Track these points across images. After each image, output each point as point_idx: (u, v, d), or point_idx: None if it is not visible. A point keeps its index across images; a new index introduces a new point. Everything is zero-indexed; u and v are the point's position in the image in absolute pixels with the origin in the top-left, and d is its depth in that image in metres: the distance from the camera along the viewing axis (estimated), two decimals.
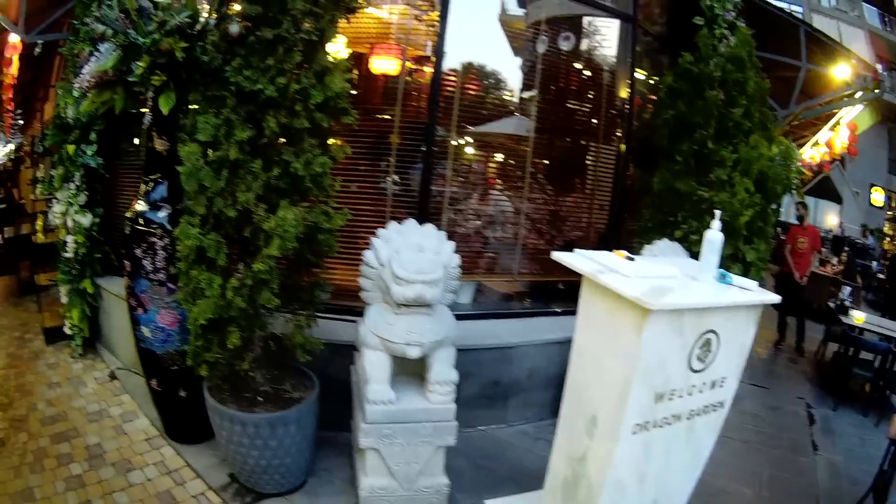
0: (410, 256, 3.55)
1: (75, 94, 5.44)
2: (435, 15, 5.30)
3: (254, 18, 3.53)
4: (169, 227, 4.02)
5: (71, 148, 5.55)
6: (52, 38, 11.20)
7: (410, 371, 3.96)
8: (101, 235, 5.82)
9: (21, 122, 23.96)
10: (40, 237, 6.85)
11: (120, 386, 5.40)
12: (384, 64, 5.55)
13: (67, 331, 5.96)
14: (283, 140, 3.63)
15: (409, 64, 5.50)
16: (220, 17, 3.78)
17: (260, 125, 3.55)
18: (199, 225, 3.60)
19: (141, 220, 4.07)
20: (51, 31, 8.06)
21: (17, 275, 8.60)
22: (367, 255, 3.81)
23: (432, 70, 5.29)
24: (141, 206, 4.11)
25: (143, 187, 4.17)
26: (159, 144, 4.06)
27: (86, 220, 5.60)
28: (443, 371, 3.77)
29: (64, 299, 5.90)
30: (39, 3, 7.94)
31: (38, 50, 10.40)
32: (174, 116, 3.87)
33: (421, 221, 3.92)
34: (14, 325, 7.24)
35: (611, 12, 6.56)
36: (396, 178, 5.34)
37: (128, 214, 4.19)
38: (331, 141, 3.83)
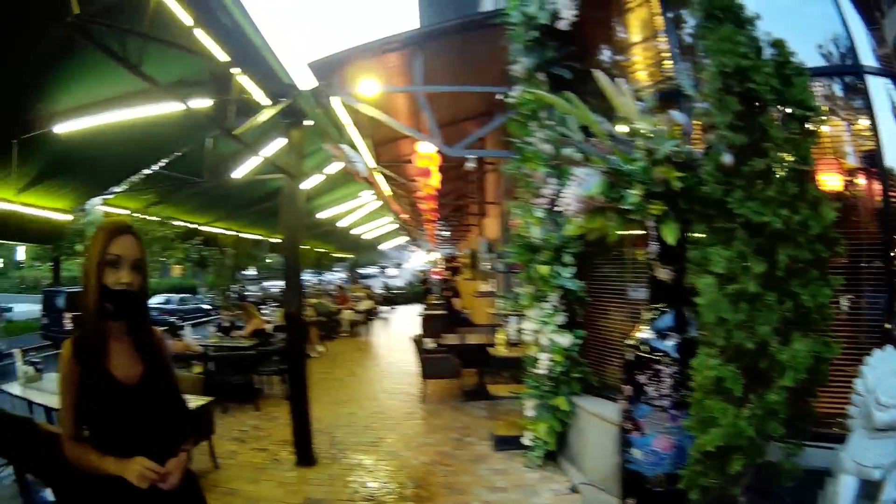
0: (892, 383, 3.57)
1: (538, 214, 5.85)
2: (865, 124, 4.85)
3: (739, 148, 3.55)
4: (676, 355, 4.06)
5: (543, 269, 5.83)
6: (483, 154, 12.20)
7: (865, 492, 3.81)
8: (580, 356, 5.92)
9: (447, 233, 26.82)
10: (501, 350, 7.27)
11: (580, 500, 5.32)
12: (831, 181, 5.14)
13: (526, 441, 6.13)
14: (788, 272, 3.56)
15: (848, 178, 5.04)
16: (709, 146, 3.83)
17: (768, 256, 3.51)
18: (717, 356, 3.62)
19: (646, 348, 4.15)
20: (471, 147, 8.65)
21: (461, 380, 9.36)
22: (858, 382, 3.75)
23: (874, 181, 4.78)
24: (646, 333, 4.20)
25: (647, 315, 4.27)
26: (663, 274, 4.14)
27: (565, 340, 5.76)
28: (892, 491, 3.64)
29: (530, 412, 6.08)
30: (446, 116, 8.61)
31: (471, 165, 11.38)
32: (677, 246, 3.94)
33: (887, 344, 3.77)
34: (453, 426, 7.84)
35: None
36: (847, 301, 4.85)
37: (630, 341, 4.28)
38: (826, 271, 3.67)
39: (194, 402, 5.95)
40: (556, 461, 6.14)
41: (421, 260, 45.92)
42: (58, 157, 7.09)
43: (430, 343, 10.54)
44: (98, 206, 11.14)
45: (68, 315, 17.68)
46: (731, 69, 3.54)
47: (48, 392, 6.38)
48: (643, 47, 5.89)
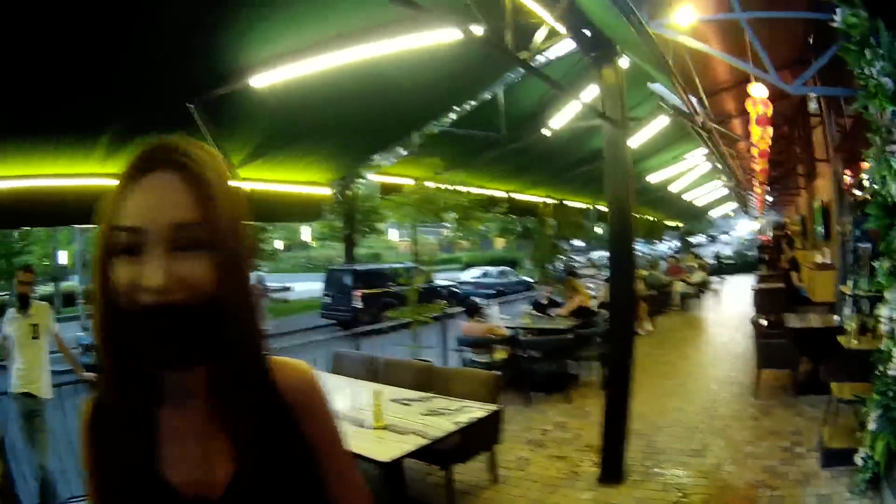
0: None
1: (894, 165, 4.57)
2: None
3: None
4: None
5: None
6: (820, 92, 9.77)
7: None
8: None
9: (773, 197, 24.33)
10: (852, 341, 5.90)
11: None
12: None
13: (857, 459, 4.82)
14: None
15: None
16: None
17: None
18: None
19: None
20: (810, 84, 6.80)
21: (796, 370, 7.83)
22: None
23: None
24: None
25: None
26: None
27: None
28: None
29: (871, 424, 4.73)
30: (782, 50, 7.05)
31: (814, 105, 9.46)
32: None
33: None
34: (784, 430, 6.54)
35: None
36: None
37: None
38: None
39: (474, 412, 4.89)
40: (879, 488, 4.74)
41: (749, 227, 43.08)
42: (279, 120, 5.98)
43: (763, 321, 9.13)
44: (372, 177, 9.88)
45: (358, 293, 17.78)
46: None
47: None
48: None
